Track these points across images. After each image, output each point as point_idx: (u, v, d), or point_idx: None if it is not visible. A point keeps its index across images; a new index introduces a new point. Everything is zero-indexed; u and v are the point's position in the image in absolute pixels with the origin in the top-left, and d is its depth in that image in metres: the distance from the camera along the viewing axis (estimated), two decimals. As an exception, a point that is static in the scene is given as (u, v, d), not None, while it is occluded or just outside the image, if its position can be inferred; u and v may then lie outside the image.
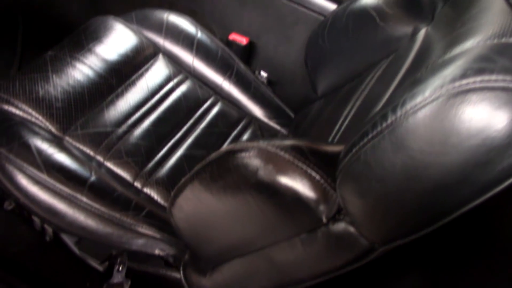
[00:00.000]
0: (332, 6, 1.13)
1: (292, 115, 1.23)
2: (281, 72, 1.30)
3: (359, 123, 0.80)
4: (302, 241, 0.66)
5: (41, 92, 1.03)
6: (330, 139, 0.88)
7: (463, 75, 0.49)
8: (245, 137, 1.16)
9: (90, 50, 1.13)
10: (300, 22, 1.20)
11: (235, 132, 1.16)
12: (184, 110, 1.14)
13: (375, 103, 0.81)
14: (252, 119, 1.20)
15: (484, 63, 0.50)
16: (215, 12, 1.32)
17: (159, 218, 0.95)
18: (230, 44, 1.27)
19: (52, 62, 1.09)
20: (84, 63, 1.11)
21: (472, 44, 0.54)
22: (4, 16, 1.48)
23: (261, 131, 1.18)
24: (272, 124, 1.21)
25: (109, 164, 1.00)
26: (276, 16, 1.22)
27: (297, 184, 0.62)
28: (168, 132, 1.09)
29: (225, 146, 1.12)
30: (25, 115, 1.00)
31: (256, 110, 1.22)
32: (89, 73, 1.10)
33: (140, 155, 1.03)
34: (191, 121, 1.13)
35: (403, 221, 0.57)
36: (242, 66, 1.24)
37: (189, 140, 1.10)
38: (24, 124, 0.99)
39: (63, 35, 1.19)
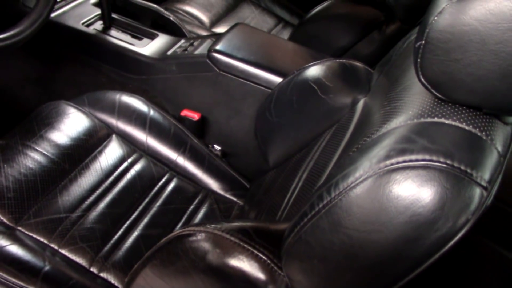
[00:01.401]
0: (278, 79, 1.18)
1: (247, 185, 1.25)
2: (234, 144, 1.33)
3: (305, 196, 0.83)
4: (254, 323, 0.67)
5: None
6: (279, 211, 0.90)
7: (387, 156, 0.53)
8: (202, 211, 1.17)
9: (42, 137, 1.14)
10: (249, 96, 1.24)
11: (191, 207, 1.16)
12: (139, 189, 1.15)
13: (319, 176, 0.84)
14: (208, 192, 1.21)
15: (405, 144, 0.53)
16: (166, 90, 1.35)
17: (115, 304, 0.93)
18: (183, 120, 1.30)
19: (3, 152, 1.09)
20: (36, 150, 1.11)
21: (396, 124, 0.58)
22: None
23: (217, 204, 1.19)
24: (228, 196, 1.22)
25: (64, 251, 0.99)
26: (225, 91, 1.27)
27: (245, 266, 0.63)
28: (123, 213, 1.09)
29: (181, 223, 1.13)
30: (-25, 208, 0.99)
31: (212, 183, 1.23)
32: (41, 159, 1.10)
33: (95, 239, 1.02)
34: (147, 200, 1.14)
35: (347, 297, 0.58)
36: (195, 141, 1.26)
37: (145, 220, 1.10)
38: (-26, 217, 0.98)
39: (17, 121, 1.20)
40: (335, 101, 1.00)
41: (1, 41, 0.97)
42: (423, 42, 0.54)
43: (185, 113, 1.31)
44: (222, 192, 1.23)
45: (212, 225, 0.66)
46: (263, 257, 0.63)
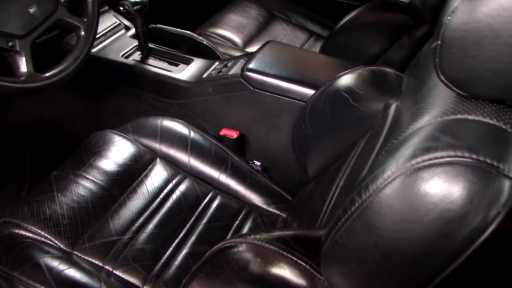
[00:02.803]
0: (311, 92, 1.20)
1: (289, 198, 1.27)
2: (274, 159, 1.36)
3: (342, 203, 0.84)
4: (299, 328, 0.68)
5: (48, 212, 1.09)
6: (319, 219, 0.92)
7: (413, 155, 0.54)
8: (247, 226, 1.19)
9: (91, 165, 1.21)
10: (284, 111, 1.27)
11: (236, 223, 1.20)
12: (185, 209, 1.19)
13: (355, 181, 0.85)
14: (252, 207, 1.24)
15: (430, 142, 0.55)
16: (204, 112, 1.40)
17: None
18: (222, 139, 1.34)
19: (57, 182, 1.16)
20: (87, 178, 1.18)
21: (421, 124, 0.60)
22: (11, 141, 1.59)
23: (261, 218, 1.22)
24: (272, 209, 1.25)
25: (118, 272, 1.04)
26: (261, 107, 1.30)
27: (286, 273, 0.66)
28: (171, 232, 1.13)
29: (227, 238, 1.16)
30: (35, 236, 1.06)
31: (255, 198, 1.26)
32: (92, 187, 1.16)
33: (147, 259, 1.07)
34: (193, 218, 1.18)
35: (387, 297, 0.60)
36: (236, 158, 1.30)
37: (193, 238, 1.14)
38: (35, 244, 1.04)
39: (69, 152, 1.27)
40: (368, 108, 1.01)
41: (48, 78, 1.04)
42: (439, 42, 0.55)
43: (224, 132, 1.35)
44: (265, 206, 1.25)
45: (252, 236, 0.69)
46: (303, 263, 0.65)
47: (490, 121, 0.55)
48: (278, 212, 1.24)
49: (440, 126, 0.56)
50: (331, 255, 0.61)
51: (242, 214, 1.22)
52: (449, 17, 0.54)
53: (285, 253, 0.66)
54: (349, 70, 1.08)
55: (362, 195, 0.57)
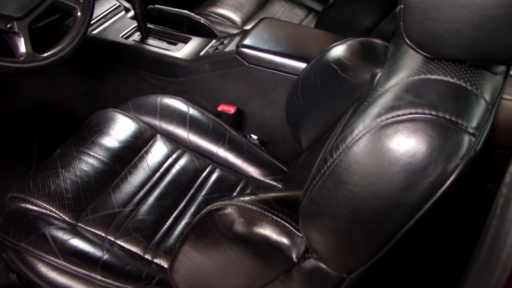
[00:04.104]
0: (303, 65, 1.23)
1: (285, 169, 1.31)
2: (270, 132, 1.40)
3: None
4: (282, 282, 0.73)
5: (52, 187, 1.14)
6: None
7: (378, 114, 0.58)
8: (244, 197, 1.24)
9: (93, 142, 1.25)
10: (279, 85, 1.31)
11: (234, 195, 1.24)
12: (184, 182, 1.23)
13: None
14: (249, 179, 1.28)
15: (394, 101, 0.58)
16: (202, 89, 1.44)
17: (168, 284, 1.02)
18: (220, 115, 1.38)
19: (61, 158, 1.21)
20: (89, 155, 1.22)
21: (389, 85, 0.63)
22: (18, 123, 1.64)
23: (258, 189, 1.26)
24: (268, 181, 1.29)
25: (120, 242, 1.09)
26: (256, 82, 1.33)
27: (267, 231, 0.70)
28: (171, 204, 1.18)
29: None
30: (40, 209, 1.11)
31: (252, 171, 1.30)
32: (94, 162, 1.21)
33: (147, 229, 1.11)
34: (192, 191, 1.22)
35: (358, 249, 0.63)
36: (233, 133, 1.34)
37: (192, 209, 1.18)
38: (40, 217, 1.10)
39: (73, 131, 1.32)
40: (355, 78, 1.04)
41: (46, 58, 1.08)
42: (402, 6, 0.58)
43: (222, 107, 1.39)
44: (262, 178, 1.29)
45: (237, 198, 0.73)
46: (283, 222, 0.69)
47: (451, 80, 0.58)
48: (274, 183, 1.28)
49: (405, 86, 0.59)
50: (307, 212, 0.65)
51: (239, 186, 1.26)
52: None
53: (266, 213, 0.70)
54: (338, 42, 1.11)
55: (333, 154, 0.61)
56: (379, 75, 0.98)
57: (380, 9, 1.40)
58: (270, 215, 0.70)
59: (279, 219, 0.69)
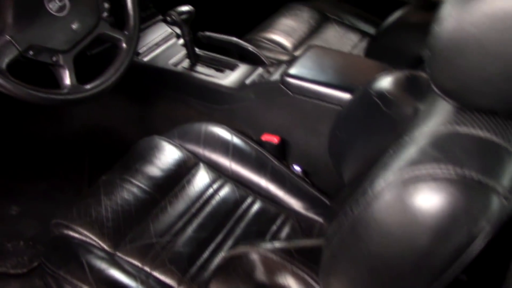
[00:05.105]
0: (348, 96, 1.19)
1: (328, 202, 1.26)
2: (314, 163, 1.36)
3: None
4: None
5: (94, 215, 1.16)
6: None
7: (399, 168, 0.54)
8: (284, 231, 1.20)
9: (136, 170, 1.27)
10: (323, 115, 1.27)
11: (274, 228, 1.21)
12: (223, 213, 1.22)
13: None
14: (290, 213, 1.25)
15: (417, 155, 0.54)
16: (247, 117, 1.43)
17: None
18: (264, 144, 1.36)
19: (104, 186, 1.24)
20: (131, 183, 1.24)
21: (416, 134, 0.59)
22: (71, 145, 1.70)
23: (299, 223, 1.22)
24: (310, 214, 1.25)
25: (155, 273, 1.09)
26: (300, 112, 1.31)
27: (287, 281, 0.67)
28: (209, 236, 1.17)
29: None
30: (81, 237, 1.13)
31: (294, 203, 1.27)
32: (136, 191, 1.22)
33: (183, 262, 1.11)
34: (231, 222, 1.20)
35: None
36: (276, 163, 1.32)
37: (230, 242, 1.16)
38: (81, 245, 1.12)
39: (123, 154, 1.35)
40: (398, 113, 0.98)
41: (90, 90, 1.11)
42: (429, 52, 0.54)
43: (266, 137, 1.37)
44: (303, 211, 1.26)
45: (259, 245, 0.71)
46: (302, 273, 0.66)
47: (481, 133, 0.53)
48: (316, 217, 1.24)
49: (430, 138, 0.55)
50: (326, 266, 0.62)
51: (280, 219, 1.23)
52: (435, 27, 0.52)
53: (286, 263, 0.67)
54: (382, 74, 1.06)
55: (354, 210, 0.57)
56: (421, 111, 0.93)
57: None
58: (290, 266, 0.67)
59: (299, 271, 0.66)
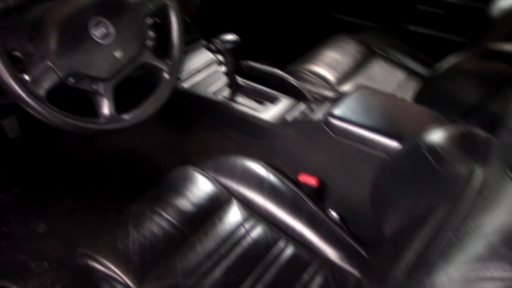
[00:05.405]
0: (395, 144, 1.13)
1: (365, 254, 1.19)
2: (353, 210, 1.29)
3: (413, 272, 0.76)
4: None
5: (120, 247, 1.12)
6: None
7: (464, 262, 0.48)
8: (316, 283, 1.14)
9: (167, 202, 1.23)
10: (366, 161, 1.21)
11: (305, 277, 1.14)
12: (254, 256, 1.16)
13: (426, 256, 0.77)
14: (324, 261, 1.18)
15: (486, 251, 0.48)
16: (285, 154, 1.38)
17: None
18: (301, 185, 1.30)
19: (133, 217, 1.20)
20: (161, 216, 1.20)
21: (482, 223, 0.52)
22: (103, 167, 1.68)
23: (332, 274, 1.15)
24: (345, 266, 1.18)
25: None
26: (342, 155, 1.25)
27: None
28: (237, 281, 1.11)
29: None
30: (106, 270, 1.09)
31: (328, 251, 1.20)
32: (165, 225, 1.18)
33: (208, 306, 1.05)
34: (261, 267, 1.14)
35: None
36: (313, 206, 1.25)
37: (259, 288, 1.11)
38: (105, 279, 1.08)
39: (155, 180, 1.31)
40: (450, 173, 0.91)
41: (127, 120, 1.08)
42: (508, 135, 0.48)
43: (304, 177, 1.31)
44: (338, 261, 1.19)
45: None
46: None
47: None
48: (351, 270, 1.17)
49: (502, 233, 0.48)
50: None
51: (312, 267, 1.17)
52: None
53: None
54: (434, 126, 0.99)
55: None
56: (477, 175, 0.85)
57: (489, 88, 1.26)
58: None
59: None
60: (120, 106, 1.11)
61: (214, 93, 1.53)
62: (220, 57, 1.65)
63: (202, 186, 1.28)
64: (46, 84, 0.95)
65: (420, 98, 1.40)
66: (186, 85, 1.56)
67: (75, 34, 1.02)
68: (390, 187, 1.04)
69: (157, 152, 1.68)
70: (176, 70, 1.18)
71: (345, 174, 1.27)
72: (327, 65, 1.80)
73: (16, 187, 1.66)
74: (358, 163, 1.23)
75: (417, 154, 0.99)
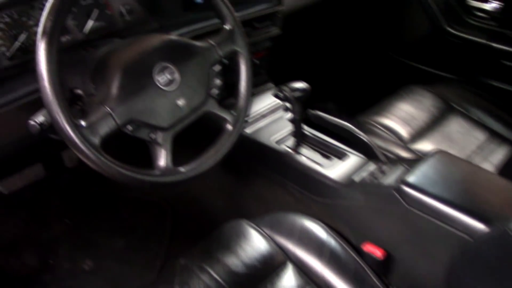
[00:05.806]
0: (479, 226, 0.99)
1: None
2: (422, 290, 1.15)
3: None
4: None
5: None
6: None
7: None
8: None
9: (217, 260, 1.14)
10: (442, 239, 1.07)
11: None
12: (306, 333, 1.05)
13: None
14: None
15: None
16: (349, 218, 1.26)
17: None
18: (364, 255, 1.18)
19: (181, 272, 1.12)
20: (209, 274, 1.11)
21: None
22: (155, 207, 1.62)
23: None
24: None
25: None
26: (414, 229, 1.11)
27: None
28: None
29: None
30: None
31: (391, 335, 1.07)
32: (212, 285, 1.09)
33: None
34: None
35: None
36: (376, 281, 1.13)
37: None
38: None
39: (207, 228, 1.23)
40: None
41: (184, 173, 1.00)
42: None
43: (368, 247, 1.18)
44: None
45: None
46: None
47: None
48: None
49: None
50: None
51: None
52: None
53: None
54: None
55: None
56: None
57: None
58: None
59: None
60: (176, 151, 1.04)
61: (278, 142, 1.44)
62: (288, 105, 1.57)
63: (256, 244, 1.19)
64: (102, 131, 0.89)
65: (507, 170, 1.25)
66: (248, 130, 1.48)
67: (138, 79, 0.96)
68: (471, 280, 0.90)
69: (211, 198, 1.60)
70: (241, 122, 1.11)
71: (416, 250, 1.13)
72: (400, 119, 1.68)
73: (68, 218, 1.63)
74: (433, 240, 1.09)
75: (506, 245, 0.85)
